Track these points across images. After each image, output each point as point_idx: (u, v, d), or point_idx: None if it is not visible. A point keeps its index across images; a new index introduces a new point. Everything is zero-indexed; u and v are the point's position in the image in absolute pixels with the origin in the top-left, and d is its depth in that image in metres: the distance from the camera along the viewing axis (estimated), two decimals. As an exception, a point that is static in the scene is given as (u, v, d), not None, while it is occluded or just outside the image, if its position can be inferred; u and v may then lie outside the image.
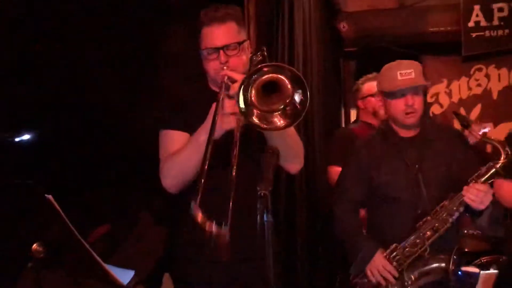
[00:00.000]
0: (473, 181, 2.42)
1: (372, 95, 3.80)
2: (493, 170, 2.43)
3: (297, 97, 1.81)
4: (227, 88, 1.95)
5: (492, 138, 2.56)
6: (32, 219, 1.82)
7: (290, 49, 4.03)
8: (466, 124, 2.63)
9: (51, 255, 1.80)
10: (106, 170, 3.07)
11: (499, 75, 5.14)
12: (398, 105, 2.58)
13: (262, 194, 1.57)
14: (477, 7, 4.99)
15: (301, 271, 4.03)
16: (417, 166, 2.56)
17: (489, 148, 3.61)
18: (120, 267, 2.03)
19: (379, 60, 4.78)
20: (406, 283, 2.47)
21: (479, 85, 5.19)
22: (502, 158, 2.44)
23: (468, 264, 2.44)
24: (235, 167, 1.82)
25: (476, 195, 2.39)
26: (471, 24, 5.00)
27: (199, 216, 1.72)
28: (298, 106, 1.81)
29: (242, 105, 1.79)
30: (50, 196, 1.73)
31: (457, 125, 5.17)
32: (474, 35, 5.00)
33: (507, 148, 2.45)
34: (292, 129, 2.06)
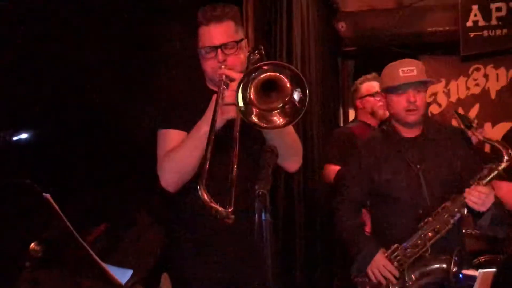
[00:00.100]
0: (475, 183, 2.42)
1: (370, 95, 3.80)
2: (496, 172, 2.42)
3: (296, 96, 1.80)
4: (225, 86, 1.95)
5: (495, 139, 2.55)
6: (29, 218, 1.81)
7: (288, 49, 4.03)
8: (468, 124, 2.62)
9: (48, 255, 1.80)
10: (104, 170, 3.07)
11: (497, 74, 5.14)
12: (400, 102, 2.57)
13: (260, 193, 1.56)
14: (475, 7, 5.00)
15: (300, 270, 4.03)
16: (418, 166, 2.55)
17: (487, 148, 3.61)
18: (118, 267, 2.02)
19: (377, 59, 4.80)
20: (406, 283, 2.47)
21: (477, 84, 5.19)
22: (504, 160, 2.43)
23: (469, 265, 2.44)
24: (235, 166, 1.81)
25: (478, 197, 2.39)
26: (469, 23, 5.00)
27: (205, 196, 1.71)
28: (297, 105, 1.81)
29: (241, 103, 1.78)
30: (47, 195, 1.73)
31: (455, 124, 5.21)
32: (472, 34, 5.01)
33: (510, 151, 2.44)
34: (290, 128, 2.06)
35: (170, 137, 2.12)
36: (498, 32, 4.97)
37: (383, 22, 5.23)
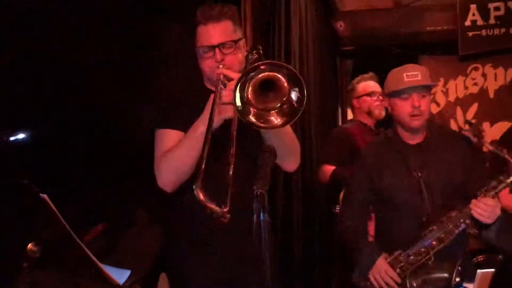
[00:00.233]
0: (482, 195, 2.40)
1: (367, 95, 3.79)
2: (503, 184, 2.40)
3: (294, 95, 1.80)
4: (223, 86, 1.94)
5: (505, 150, 2.52)
6: (27, 219, 1.80)
7: (286, 48, 4.03)
8: (477, 134, 2.61)
9: (46, 255, 1.79)
10: (102, 170, 3.06)
11: (495, 74, 5.15)
12: (404, 107, 2.56)
13: (258, 193, 1.56)
14: (473, 6, 5.00)
15: (298, 270, 4.03)
16: (420, 173, 2.55)
17: (485, 149, 3.60)
18: (116, 267, 2.02)
19: (376, 59, 4.82)
20: None
21: (475, 84, 5.20)
22: None
23: (473, 273, 2.42)
24: (232, 166, 1.81)
25: (484, 209, 2.37)
26: (467, 23, 5.00)
27: (201, 196, 1.72)
28: (295, 104, 1.80)
29: (238, 103, 1.78)
30: (45, 196, 1.72)
31: (453, 124, 5.21)
32: (470, 34, 5.01)
33: None
34: (288, 128, 2.05)
35: (168, 137, 2.11)
36: (496, 31, 4.97)
37: (381, 21, 5.23)
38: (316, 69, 4.49)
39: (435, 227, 2.47)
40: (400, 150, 2.62)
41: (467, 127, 2.97)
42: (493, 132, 4.80)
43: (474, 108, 5.14)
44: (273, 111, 1.82)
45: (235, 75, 1.89)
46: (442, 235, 2.45)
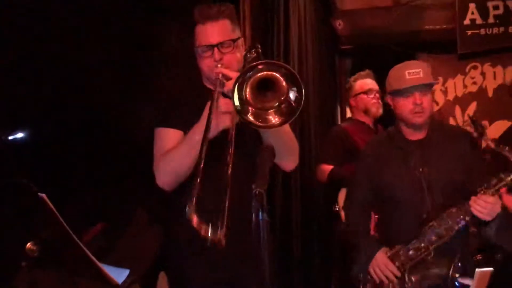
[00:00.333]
0: (482, 192, 2.40)
1: (364, 93, 3.79)
2: (504, 182, 2.40)
3: (292, 95, 1.80)
4: (222, 85, 1.95)
5: (506, 148, 2.52)
6: (25, 218, 1.81)
7: (285, 47, 4.03)
8: (480, 131, 2.61)
9: (45, 254, 1.79)
10: (101, 169, 3.06)
11: (494, 73, 5.15)
12: (406, 104, 2.57)
13: (257, 192, 1.56)
14: (472, 5, 4.99)
15: (297, 270, 4.03)
16: (421, 169, 2.55)
17: (484, 143, 3.60)
18: (115, 266, 2.02)
19: (374, 58, 4.82)
20: (406, 285, 2.48)
21: (474, 83, 5.20)
22: None
23: (472, 269, 2.42)
24: (230, 165, 1.81)
25: (484, 207, 2.37)
26: (466, 22, 5.00)
27: (194, 221, 1.71)
28: (293, 104, 1.81)
29: (237, 102, 1.78)
30: (43, 195, 1.72)
31: (452, 123, 5.21)
32: (469, 33, 5.01)
33: None
34: (287, 127, 2.06)
35: (167, 136, 2.12)
36: (495, 30, 4.97)
37: (380, 20, 5.22)
38: (315, 68, 4.48)
39: (435, 223, 2.48)
40: (402, 146, 2.64)
41: (468, 122, 2.96)
42: (492, 131, 4.79)
43: (473, 107, 5.13)
44: (271, 111, 1.83)
45: (234, 74, 1.89)
46: (442, 231, 2.46)
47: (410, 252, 2.50)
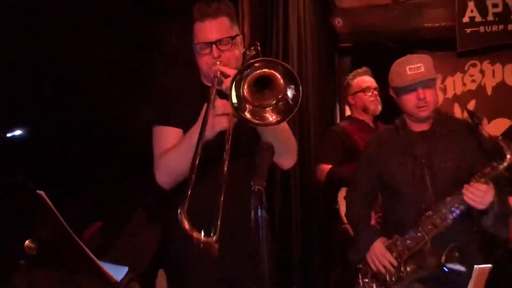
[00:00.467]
0: (474, 180, 2.41)
1: (361, 91, 3.78)
2: (497, 170, 2.40)
3: (289, 93, 1.80)
4: (220, 83, 1.95)
5: (500, 138, 2.52)
6: (23, 215, 1.81)
7: (284, 45, 4.02)
8: (477, 121, 2.61)
9: (44, 253, 1.79)
10: (100, 167, 3.07)
11: (493, 70, 5.14)
12: (410, 100, 2.58)
13: (256, 189, 1.56)
14: (471, 3, 4.99)
15: (296, 268, 4.03)
16: (424, 160, 2.56)
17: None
18: (114, 264, 2.02)
19: (374, 55, 4.82)
20: (401, 274, 2.48)
21: (473, 80, 5.19)
22: (507, 159, 2.41)
23: (462, 258, 2.42)
24: (226, 162, 1.81)
25: (476, 194, 2.38)
26: (465, 19, 5.00)
27: (186, 226, 1.70)
28: (291, 102, 1.80)
29: (234, 100, 1.78)
30: (42, 192, 1.72)
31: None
32: (468, 30, 5.00)
33: None
34: (285, 125, 2.05)
35: (166, 134, 2.12)
36: (495, 28, 4.96)
37: (379, 18, 5.22)
38: (314, 67, 4.48)
39: (431, 212, 2.48)
40: (405, 137, 2.64)
41: (466, 114, 2.96)
42: (490, 128, 4.77)
43: (471, 104, 5.12)
44: (269, 108, 1.83)
45: (232, 72, 1.89)
46: (437, 220, 2.46)
47: (408, 242, 2.51)
